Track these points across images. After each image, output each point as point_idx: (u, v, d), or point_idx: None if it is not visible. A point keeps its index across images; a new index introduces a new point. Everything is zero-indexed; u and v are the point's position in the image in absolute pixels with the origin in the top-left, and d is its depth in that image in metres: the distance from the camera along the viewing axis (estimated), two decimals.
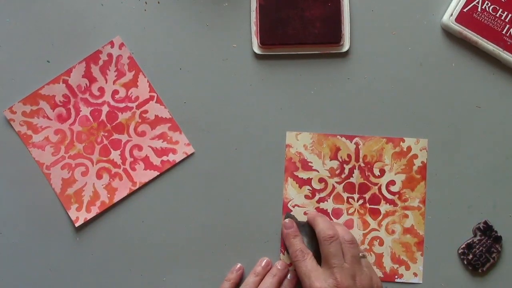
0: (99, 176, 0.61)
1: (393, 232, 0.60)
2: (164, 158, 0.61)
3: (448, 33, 0.61)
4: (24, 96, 0.61)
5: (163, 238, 0.60)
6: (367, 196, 0.60)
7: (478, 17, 0.59)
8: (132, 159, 0.61)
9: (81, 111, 0.61)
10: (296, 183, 0.60)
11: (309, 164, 0.60)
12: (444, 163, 0.60)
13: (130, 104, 0.61)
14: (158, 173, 0.61)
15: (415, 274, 0.60)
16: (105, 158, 0.61)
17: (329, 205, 0.60)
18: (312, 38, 0.59)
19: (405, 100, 0.61)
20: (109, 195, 0.60)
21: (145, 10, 0.61)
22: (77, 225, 0.60)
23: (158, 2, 0.62)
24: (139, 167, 0.61)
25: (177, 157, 0.61)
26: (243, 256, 0.60)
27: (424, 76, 0.61)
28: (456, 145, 0.60)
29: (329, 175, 0.60)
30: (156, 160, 0.61)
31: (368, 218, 0.60)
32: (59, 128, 0.61)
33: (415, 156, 0.60)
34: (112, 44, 0.61)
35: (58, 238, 0.60)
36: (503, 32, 0.59)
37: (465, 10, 0.59)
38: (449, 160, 0.60)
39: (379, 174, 0.60)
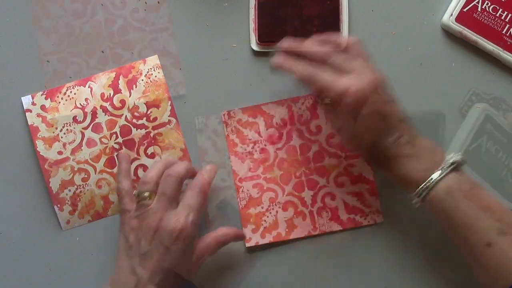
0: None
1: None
2: None
3: (448, 33, 0.61)
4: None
5: None
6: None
7: (478, 17, 0.59)
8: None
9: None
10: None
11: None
12: None
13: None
14: None
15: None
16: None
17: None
18: (310, 36, 0.59)
19: (405, 100, 0.60)
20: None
21: (145, 10, 0.62)
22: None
23: (158, 2, 0.62)
24: None
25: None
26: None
27: (424, 76, 0.61)
28: None
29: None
30: None
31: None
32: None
33: None
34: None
35: (58, 238, 0.60)
36: (503, 32, 0.59)
37: (465, 10, 0.59)
38: None
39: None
